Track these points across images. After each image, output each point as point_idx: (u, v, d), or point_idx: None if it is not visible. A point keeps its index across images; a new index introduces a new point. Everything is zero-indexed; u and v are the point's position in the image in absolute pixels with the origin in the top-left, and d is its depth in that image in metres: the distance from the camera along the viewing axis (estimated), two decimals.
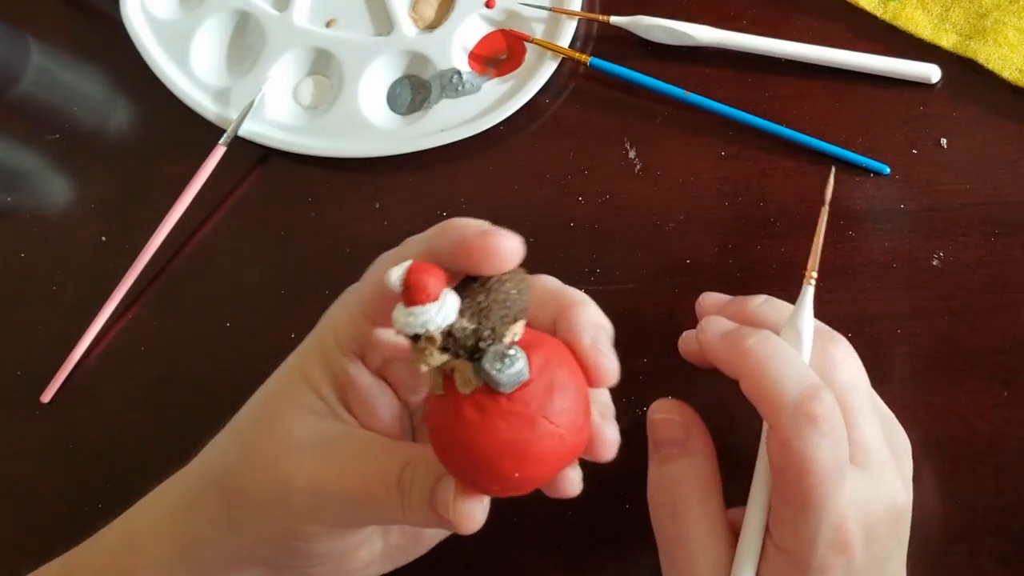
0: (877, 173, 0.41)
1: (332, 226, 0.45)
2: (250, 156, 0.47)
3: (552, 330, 0.27)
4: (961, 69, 0.42)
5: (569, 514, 0.37)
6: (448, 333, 0.23)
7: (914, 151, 0.41)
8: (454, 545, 0.37)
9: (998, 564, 0.35)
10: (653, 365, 0.39)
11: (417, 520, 0.26)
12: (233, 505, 0.30)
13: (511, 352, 0.23)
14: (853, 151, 0.41)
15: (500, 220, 0.44)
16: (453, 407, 0.24)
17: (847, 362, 0.31)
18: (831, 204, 0.41)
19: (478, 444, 0.23)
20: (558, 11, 0.46)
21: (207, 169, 0.46)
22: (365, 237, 0.45)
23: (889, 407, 0.34)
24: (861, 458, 0.29)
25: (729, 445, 0.32)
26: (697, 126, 0.43)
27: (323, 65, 0.49)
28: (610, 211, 0.43)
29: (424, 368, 0.24)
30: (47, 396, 0.44)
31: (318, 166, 0.46)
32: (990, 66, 0.41)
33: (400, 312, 0.23)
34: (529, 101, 0.45)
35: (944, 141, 0.41)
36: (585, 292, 0.29)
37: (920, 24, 0.43)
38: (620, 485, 0.35)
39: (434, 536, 0.34)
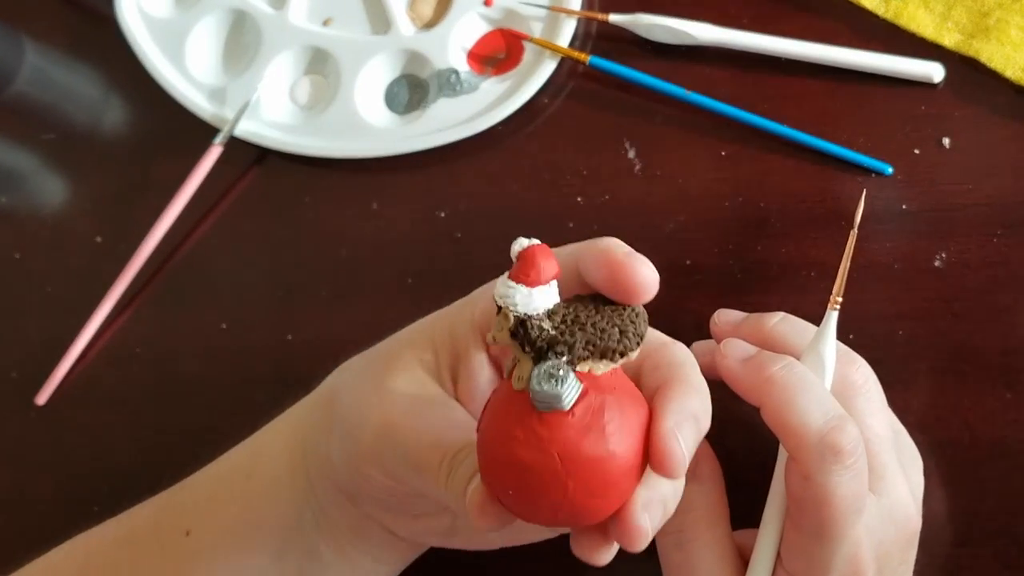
0: (879, 173, 0.40)
1: (329, 226, 0.45)
2: (246, 156, 0.47)
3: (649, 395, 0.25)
4: (963, 68, 0.42)
5: None
6: (522, 321, 0.23)
7: (916, 151, 0.41)
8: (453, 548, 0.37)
9: (1001, 567, 0.35)
10: None
11: (452, 503, 0.25)
12: (330, 425, 0.31)
13: (561, 374, 0.22)
14: (854, 151, 0.41)
15: (498, 220, 0.44)
16: (501, 395, 0.23)
17: (867, 386, 0.31)
18: (833, 203, 0.41)
19: (495, 442, 0.23)
20: (557, 10, 0.46)
21: (203, 169, 0.46)
22: (362, 238, 0.45)
23: (891, 409, 0.34)
24: (877, 484, 0.29)
25: (729, 447, 0.32)
26: (697, 126, 0.43)
27: (320, 64, 0.48)
28: (609, 211, 0.42)
29: (490, 339, 0.23)
30: (42, 398, 0.44)
31: (315, 166, 0.46)
32: (993, 65, 0.41)
33: (502, 281, 0.23)
34: (528, 101, 0.45)
35: (946, 141, 0.41)
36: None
37: (922, 23, 0.42)
38: None
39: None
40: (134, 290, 0.45)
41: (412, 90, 0.47)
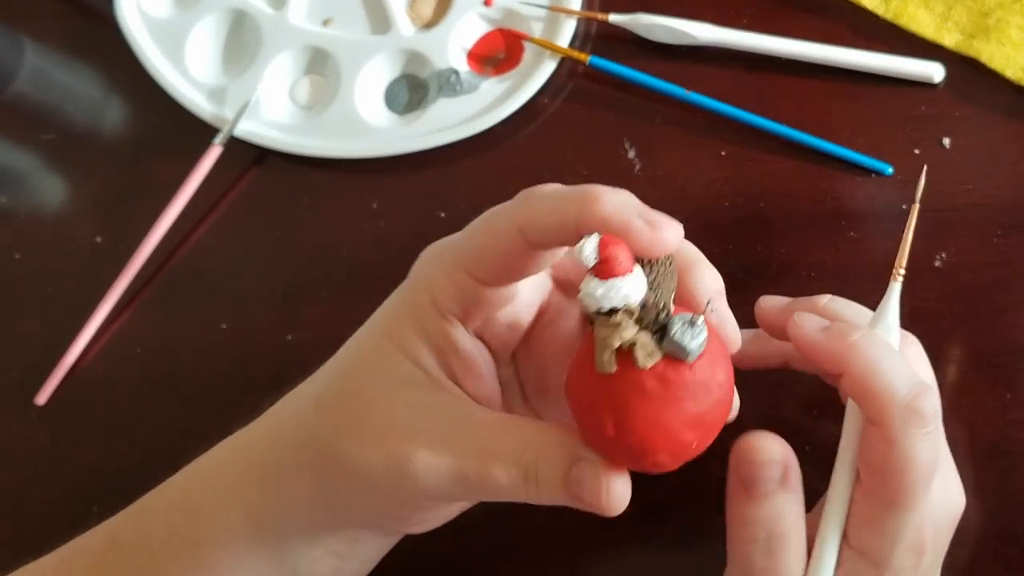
0: (879, 173, 0.40)
1: (329, 227, 0.45)
2: (246, 156, 0.47)
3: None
4: (964, 68, 0.42)
5: (568, 517, 0.36)
6: (643, 305, 0.24)
7: (916, 151, 0.41)
8: (453, 549, 0.37)
9: (1001, 568, 0.35)
10: None
11: (544, 499, 0.26)
12: (331, 483, 0.29)
13: (699, 321, 0.23)
14: (855, 151, 0.41)
15: None
16: (628, 383, 0.23)
17: (921, 361, 0.32)
18: (833, 203, 0.41)
19: (663, 416, 0.23)
20: (557, 10, 0.46)
21: (203, 169, 0.46)
22: (362, 238, 0.45)
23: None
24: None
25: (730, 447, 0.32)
26: (697, 126, 0.43)
27: (320, 64, 0.48)
28: None
29: (617, 343, 0.23)
30: (42, 398, 0.44)
31: (315, 166, 0.46)
32: (993, 65, 0.41)
33: (594, 285, 0.24)
34: (528, 101, 0.45)
35: (947, 141, 0.41)
36: None
37: (922, 23, 0.42)
38: None
39: None
40: (134, 290, 0.45)
41: (412, 90, 0.47)
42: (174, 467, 0.35)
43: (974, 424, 0.36)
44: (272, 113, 0.47)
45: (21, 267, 0.47)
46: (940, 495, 0.29)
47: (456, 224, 0.30)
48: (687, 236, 0.41)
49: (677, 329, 0.23)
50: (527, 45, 0.46)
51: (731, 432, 0.31)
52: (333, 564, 0.31)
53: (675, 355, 0.23)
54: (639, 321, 0.24)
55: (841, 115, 0.42)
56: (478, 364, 0.29)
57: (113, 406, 0.44)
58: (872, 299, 0.39)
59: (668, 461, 0.24)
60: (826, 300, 0.33)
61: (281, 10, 0.49)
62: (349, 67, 0.47)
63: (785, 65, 0.43)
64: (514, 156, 0.45)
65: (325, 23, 0.49)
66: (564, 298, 0.32)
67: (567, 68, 0.46)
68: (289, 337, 0.43)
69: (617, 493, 0.25)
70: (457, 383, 0.29)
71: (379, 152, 0.45)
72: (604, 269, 0.23)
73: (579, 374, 0.25)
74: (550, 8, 0.46)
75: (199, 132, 0.47)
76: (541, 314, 0.32)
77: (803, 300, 0.34)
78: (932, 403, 0.28)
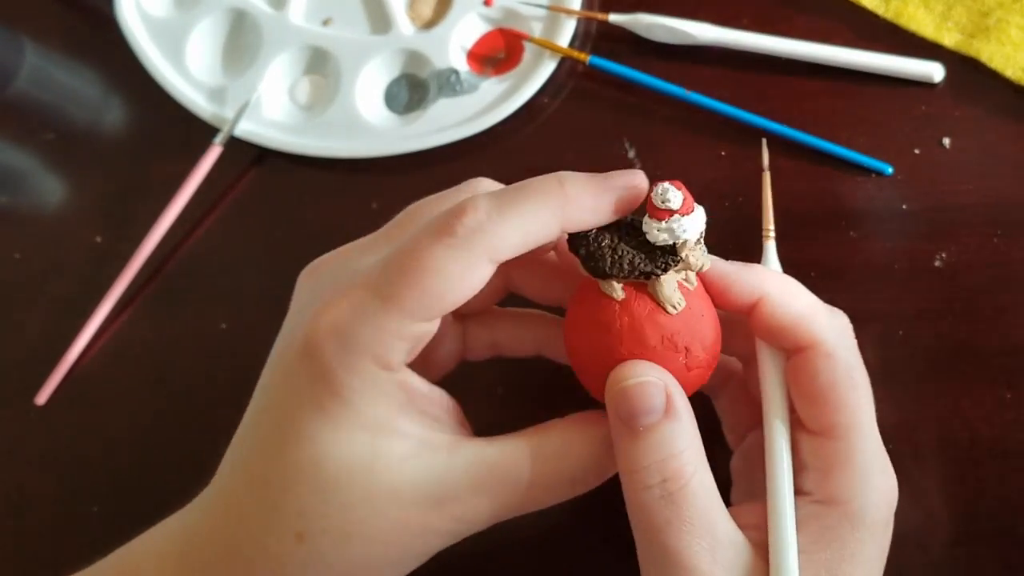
0: (879, 173, 0.40)
1: (328, 227, 0.45)
2: (246, 156, 0.47)
3: None
4: (964, 68, 0.42)
5: (568, 516, 0.36)
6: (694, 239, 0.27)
7: (916, 151, 0.41)
8: (453, 549, 0.37)
9: (1001, 568, 0.35)
10: None
11: (584, 491, 0.28)
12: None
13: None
14: (855, 151, 0.41)
15: None
16: (693, 315, 0.27)
17: (851, 333, 0.29)
18: (833, 203, 0.41)
19: (716, 324, 0.28)
20: (557, 9, 0.46)
21: (203, 169, 0.46)
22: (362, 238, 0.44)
23: (891, 409, 0.34)
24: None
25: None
26: (697, 126, 0.43)
27: (320, 64, 0.48)
28: None
29: (675, 293, 0.27)
30: (42, 398, 0.44)
31: (314, 166, 0.46)
32: (993, 65, 0.41)
33: (680, 221, 0.27)
34: (528, 100, 0.45)
35: (947, 141, 0.41)
36: None
37: (922, 23, 0.42)
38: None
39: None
40: (134, 290, 0.45)
41: (412, 90, 0.47)
42: (174, 466, 0.35)
43: (974, 424, 0.36)
44: (272, 113, 0.47)
45: (21, 267, 0.47)
46: (886, 461, 0.27)
47: None
48: None
49: (697, 246, 0.27)
50: (527, 45, 0.46)
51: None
52: None
53: (695, 272, 0.28)
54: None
55: (841, 115, 0.42)
56: (441, 395, 0.28)
57: (113, 406, 0.44)
58: (872, 299, 0.39)
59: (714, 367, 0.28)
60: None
61: (281, 10, 0.49)
62: (349, 67, 0.47)
63: (785, 65, 0.43)
64: (514, 156, 0.45)
65: (325, 23, 0.49)
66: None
67: (567, 68, 0.46)
68: None
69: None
70: (437, 420, 0.28)
71: (379, 152, 0.45)
72: (688, 207, 0.27)
73: (638, 332, 0.27)
74: (550, 8, 0.46)
75: (199, 132, 0.47)
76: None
77: None
78: (848, 321, 0.29)
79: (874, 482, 0.26)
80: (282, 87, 0.48)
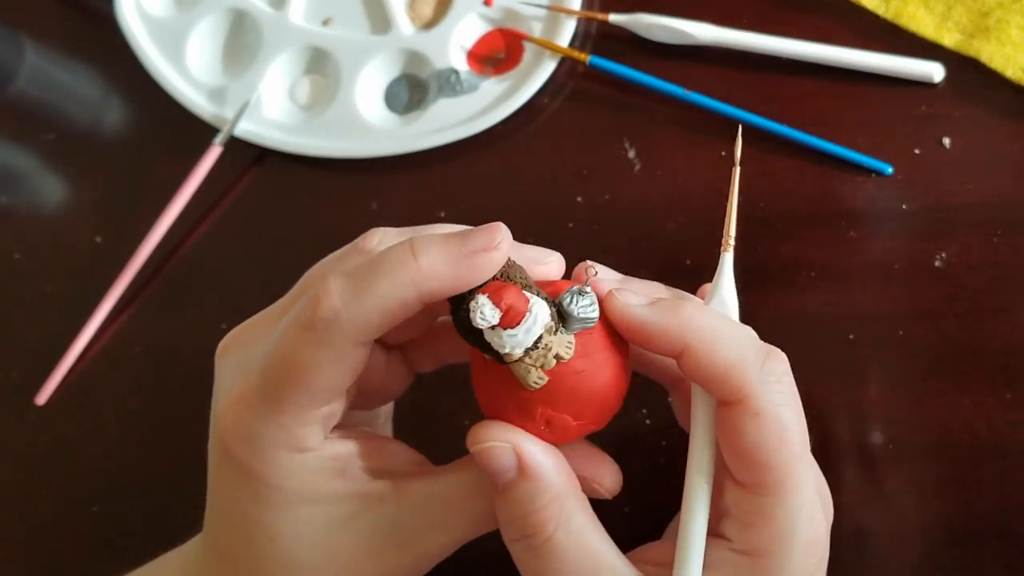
0: (879, 173, 0.40)
1: (328, 227, 0.45)
2: (246, 156, 0.47)
3: None
4: (964, 68, 0.42)
5: None
6: (558, 319, 0.25)
7: (916, 151, 0.41)
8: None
9: (1001, 568, 0.35)
10: None
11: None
12: None
13: (585, 289, 0.25)
14: (855, 151, 0.41)
15: (499, 220, 0.44)
16: (563, 378, 0.25)
17: (788, 378, 0.27)
18: (833, 203, 0.41)
19: (603, 378, 0.26)
20: (557, 9, 0.46)
21: (203, 169, 0.46)
22: None
23: (891, 409, 0.34)
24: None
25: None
26: (697, 126, 0.43)
27: (320, 64, 0.48)
28: (609, 211, 0.42)
29: (535, 373, 0.24)
30: (42, 398, 0.44)
31: (315, 166, 0.46)
32: (993, 65, 0.41)
33: (512, 335, 0.24)
34: (528, 100, 0.45)
35: (947, 141, 0.41)
36: None
37: (922, 23, 0.42)
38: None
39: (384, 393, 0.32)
40: (134, 290, 0.45)
41: (412, 90, 0.47)
42: (174, 466, 0.35)
43: (974, 424, 0.36)
44: (272, 113, 0.47)
45: (21, 267, 0.47)
46: (821, 483, 0.27)
47: (456, 224, 0.30)
48: (687, 236, 0.42)
49: (578, 308, 0.25)
50: (527, 45, 0.46)
51: None
52: None
53: (583, 329, 0.25)
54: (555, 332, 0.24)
55: (841, 115, 0.42)
56: (377, 445, 0.28)
57: (113, 406, 0.44)
58: (872, 299, 0.39)
59: (621, 403, 0.27)
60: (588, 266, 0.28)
61: (281, 10, 0.49)
62: (349, 67, 0.47)
63: (785, 65, 0.43)
64: (514, 156, 0.45)
65: (325, 23, 0.49)
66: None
67: (567, 68, 0.46)
68: None
69: (612, 477, 0.27)
70: (377, 469, 0.28)
71: (379, 152, 0.45)
72: (513, 318, 0.24)
73: (507, 401, 0.26)
74: (550, 8, 0.46)
75: (199, 132, 0.47)
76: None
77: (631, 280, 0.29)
78: (784, 358, 0.26)
79: (798, 538, 0.25)
80: (282, 87, 0.48)
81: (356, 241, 0.28)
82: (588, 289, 0.24)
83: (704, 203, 0.42)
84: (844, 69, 0.42)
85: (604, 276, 0.29)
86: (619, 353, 0.26)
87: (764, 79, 0.43)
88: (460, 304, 0.25)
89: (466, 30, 0.47)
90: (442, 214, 0.44)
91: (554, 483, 0.26)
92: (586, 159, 0.44)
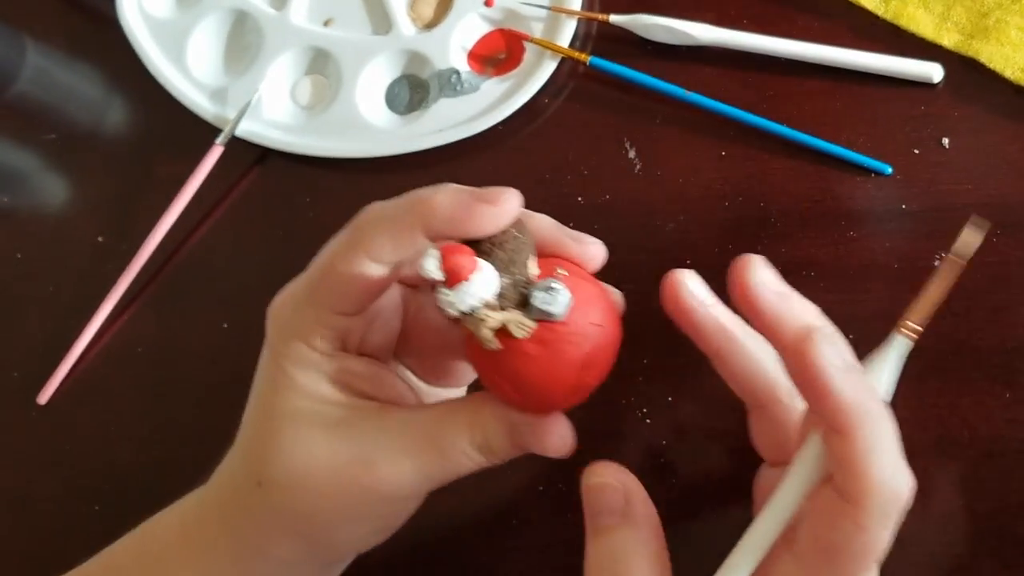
0: (878, 173, 0.40)
1: (330, 226, 0.45)
2: (248, 156, 0.47)
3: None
4: (963, 68, 0.42)
5: (567, 517, 0.36)
6: (500, 295, 0.25)
7: (916, 151, 0.41)
8: (453, 549, 0.37)
9: (1000, 567, 0.35)
10: (653, 366, 0.39)
11: (504, 460, 0.29)
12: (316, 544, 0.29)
13: (554, 285, 0.25)
14: (854, 151, 0.41)
15: None
16: (514, 353, 0.26)
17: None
18: (833, 203, 0.41)
19: (552, 371, 0.26)
20: (557, 10, 0.46)
21: (204, 169, 0.46)
22: None
23: (891, 409, 0.34)
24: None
25: (730, 448, 0.32)
26: (697, 126, 0.43)
27: (321, 64, 0.48)
28: (609, 211, 0.42)
29: (486, 333, 0.25)
30: (44, 397, 0.44)
31: (316, 166, 0.46)
32: (992, 65, 0.41)
33: (446, 295, 0.25)
34: (528, 101, 0.45)
35: (946, 141, 0.41)
36: None
37: (922, 23, 0.42)
38: None
39: None
40: (135, 290, 0.45)
41: (413, 90, 0.47)
42: (175, 466, 0.35)
43: (973, 423, 0.36)
44: (273, 113, 0.48)
45: (23, 267, 0.48)
46: None
47: None
48: (687, 236, 0.42)
49: (537, 300, 0.25)
50: (528, 45, 0.46)
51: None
52: None
53: (543, 320, 0.25)
54: (502, 306, 0.25)
55: (841, 115, 0.42)
56: (379, 376, 0.30)
57: (114, 405, 0.44)
58: (872, 299, 0.39)
59: (573, 401, 0.27)
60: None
61: (282, 10, 0.49)
62: (350, 67, 0.47)
63: (785, 65, 0.43)
64: (515, 156, 0.45)
65: (326, 23, 0.49)
66: (415, 292, 0.32)
67: (567, 68, 0.46)
68: None
69: (555, 442, 0.28)
70: (373, 398, 0.30)
71: (380, 152, 0.45)
72: (452, 279, 0.25)
73: (473, 353, 0.27)
74: (550, 8, 0.46)
75: (201, 132, 0.47)
76: (405, 310, 0.32)
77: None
78: (911, 489, 0.25)
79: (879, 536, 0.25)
80: (283, 87, 0.48)
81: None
82: (556, 286, 0.25)
83: (704, 203, 0.42)
84: (844, 69, 0.42)
85: (772, 285, 0.28)
86: (590, 364, 0.26)
87: (764, 79, 0.43)
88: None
89: (467, 30, 0.47)
90: None
91: (653, 539, 0.27)
92: (586, 159, 0.44)
